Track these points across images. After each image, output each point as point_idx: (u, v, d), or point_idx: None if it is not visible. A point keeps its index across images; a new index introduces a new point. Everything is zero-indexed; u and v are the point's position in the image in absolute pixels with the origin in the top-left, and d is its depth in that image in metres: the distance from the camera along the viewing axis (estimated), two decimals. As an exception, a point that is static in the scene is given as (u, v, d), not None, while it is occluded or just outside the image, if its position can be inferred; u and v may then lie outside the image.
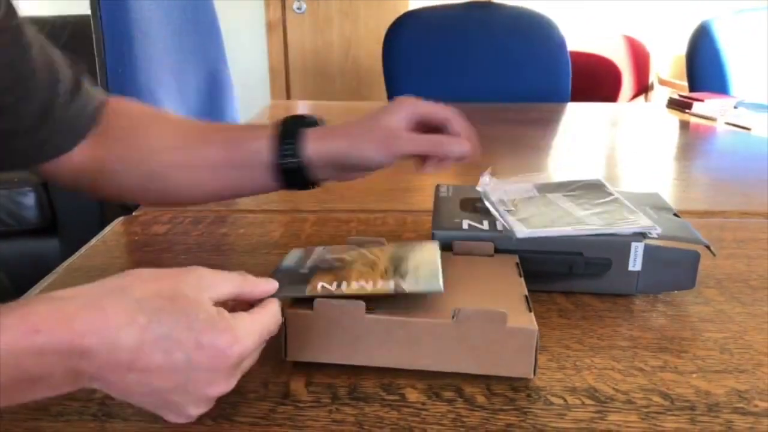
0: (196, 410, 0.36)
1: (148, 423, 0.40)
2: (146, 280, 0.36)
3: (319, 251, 0.52)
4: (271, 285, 0.42)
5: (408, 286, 0.44)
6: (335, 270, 0.47)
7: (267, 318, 0.39)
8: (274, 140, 0.56)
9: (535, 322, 0.43)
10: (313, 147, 0.55)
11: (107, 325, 0.32)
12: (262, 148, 0.56)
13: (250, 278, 0.41)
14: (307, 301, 0.44)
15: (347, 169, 0.58)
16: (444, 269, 0.49)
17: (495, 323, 0.42)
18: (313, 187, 0.60)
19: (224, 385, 0.36)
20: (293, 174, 0.56)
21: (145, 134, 0.59)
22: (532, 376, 0.43)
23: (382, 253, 0.50)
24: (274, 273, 0.47)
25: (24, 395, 0.33)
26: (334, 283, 0.45)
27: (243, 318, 0.37)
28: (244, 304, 0.41)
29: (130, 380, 0.34)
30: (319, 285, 0.45)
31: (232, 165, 0.57)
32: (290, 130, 0.56)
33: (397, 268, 0.46)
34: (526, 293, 0.48)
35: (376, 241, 0.54)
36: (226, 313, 0.36)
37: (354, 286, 0.44)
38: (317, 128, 0.57)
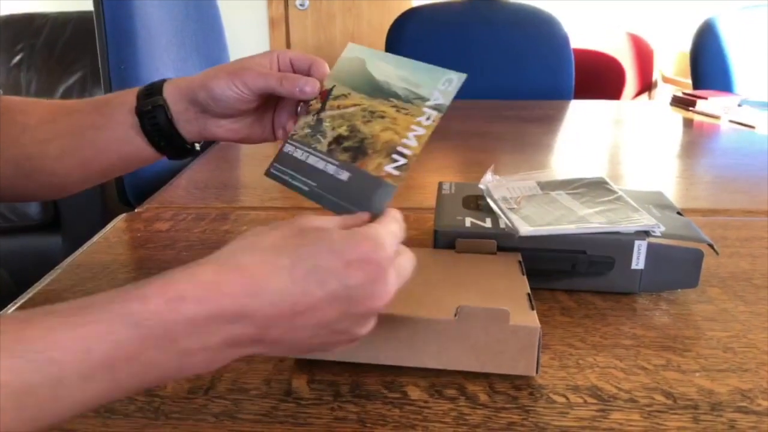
0: (363, 329, 0.35)
1: (150, 420, 0.40)
2: (266, 233, 0.35)
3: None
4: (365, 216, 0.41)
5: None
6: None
7: (392, 223, 0.38)
8: (138, 91, 0.55)
9: (537, 321, 0.43)
10: (171, 87, 0.54)
11: (254, 280, 0.31)
12: (127, 99, 0.55)
13: (347, 220, 0.40)
14: None
15: (204, 109, 0.53)
16: (447, 267, 0.49)
17: (497, 321, 0.42)
18: (192, 150, 0.57)
19: (385, 294, 0.34)
20: (154, 119, 0.53)
21: (13, 117, 0.56)
22: (534, 374, 0.43)
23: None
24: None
25: (175, 372, 0.31)
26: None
27: (372, 226, 0.36)
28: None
29: (296, 326, 0.32)
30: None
31: (96, 125, 0.55)
32: (156, 82, 0.55)
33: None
34: (529, 291, 0.48)
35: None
36: (355, 229, 0.35)
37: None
38: (182, 78, 0.56)
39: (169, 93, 0.54)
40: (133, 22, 1.00)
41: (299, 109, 0.54)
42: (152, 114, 0.54)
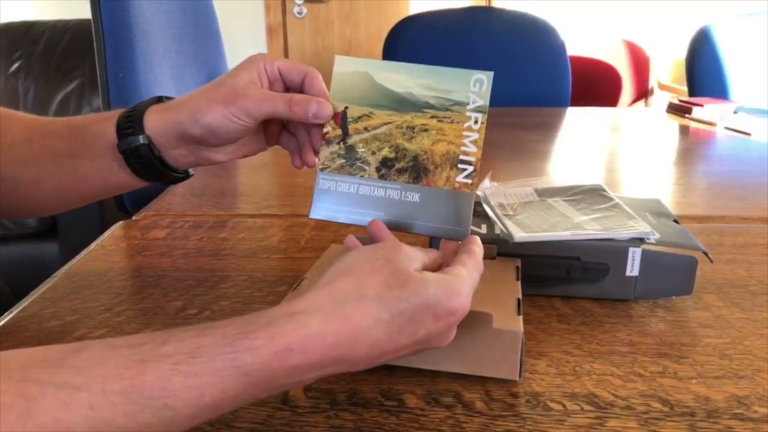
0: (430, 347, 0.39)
1: (147, 428, 0.40)
2: (370, 275, 0.37)
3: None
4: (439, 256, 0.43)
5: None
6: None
7: (478, 265, 0.41)
8: (117, 123, 0.50)
9: (521, 325, 0.43)
10: (153, 120, 0.50)
11: (357, 334, 0.34)
12: (105, 131, 0.50)
13: (430, 254, 0.42)
14: None
15: (198, 142, 0.50)
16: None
17: (481, 324, 0.43)
18: (180, 177, 0.54)
19: (449, 338, 0.39)
20: (140, 158, 0.50)
21: None
22: (517, 378, 0.43)
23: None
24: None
25: (265, 396, 0.34)
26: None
27: (460, 273, 0.39)
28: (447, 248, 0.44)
29: (379, 359, 0.36)
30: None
31: (74, 153, 0.51)
32: (136, 109, 0.51)
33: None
34: (520, 296, 0.48)
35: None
36: (445, 277, 0.38)
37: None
38: (163, 102, 0.51)
39: (153, 129, 0.50)
40: (131, 30, 1.00)
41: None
42: (136, 153, 0.50)
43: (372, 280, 0.36)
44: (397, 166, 0.47)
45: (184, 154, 0.52)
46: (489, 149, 1.25)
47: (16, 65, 2.19)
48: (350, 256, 0.39)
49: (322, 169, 0.49)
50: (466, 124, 0.46)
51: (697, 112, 1.50)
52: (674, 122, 1.51)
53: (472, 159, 0.46)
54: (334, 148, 0.48)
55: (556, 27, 1.86)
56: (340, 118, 0.48)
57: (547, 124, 1.50)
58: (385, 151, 0.47)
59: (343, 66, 0.49)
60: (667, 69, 2.81)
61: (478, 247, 0.43)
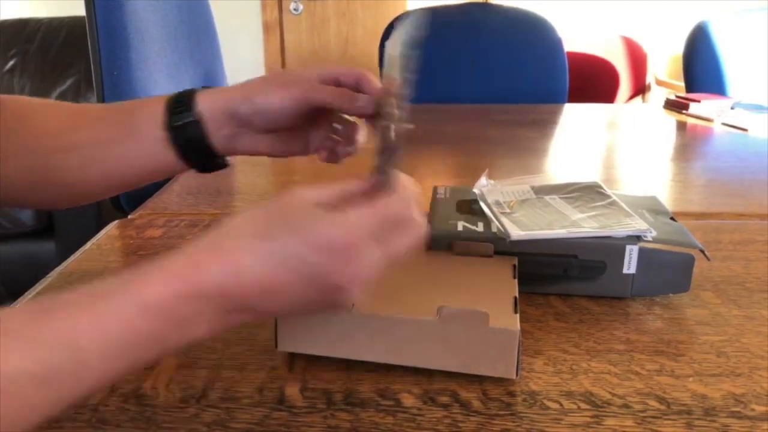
0: (347, 297, 0.37)
1: (141, 429, 0.40)
2: (252, 217, 0.36)
3: None
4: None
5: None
6: None
7: (383, 203, 0.37)
8: (167, 103, 0.52)
9: (518, 324, 0.43)
10: (205, 100, 0.51)
11: (238, 268, 0.34)
12: (155, 111, 0.52)
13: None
14: None
15: (247, 123, 0.52)
16: (440, 269, 0.49)
17: (477, 323, 0.43)
18: (222, 164, 0.55)
19: (355, 283, 0.36)
20: (188, 137, 0.51)
21: (33, 123, 0.53)
22: (514, 376, 0.43)
23: None
24: None
25: (183, 342, 0.34)
26: None
27: (354, 205, 0.37)
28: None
29: (274, 302, 0.36)
30: None
31: (122, 137, 0.53)
32: (185, 93, 0.53)
33: None
34: (516, 295, 0.48)
35: None
36: (325, 209, 0.36)
37: None
38: (214, 88, 0.53)
39: (204, 107, 0.51)
40: (125, 28, 0.99)
41: None
42: (186, 130, 0.51)
43: (252, 221, 0.36)
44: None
45: (230, 136, 0.52)
46: (485, 146, 1.25)
47: (11, 63, 2.18)
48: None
49: None
50: None
51: (694, 108, 1.50)
52: (671, 118, 1.51)
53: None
54: None
55: (553, 23, 1.85)
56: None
57: (544, 121, 1.50)
58: None
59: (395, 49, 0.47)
60: (665, 65, 2.80)
61: (394, 191, 0.39)
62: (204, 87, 0.54)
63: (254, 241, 0.35)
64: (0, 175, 0.52)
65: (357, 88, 0.52)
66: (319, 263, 0.35)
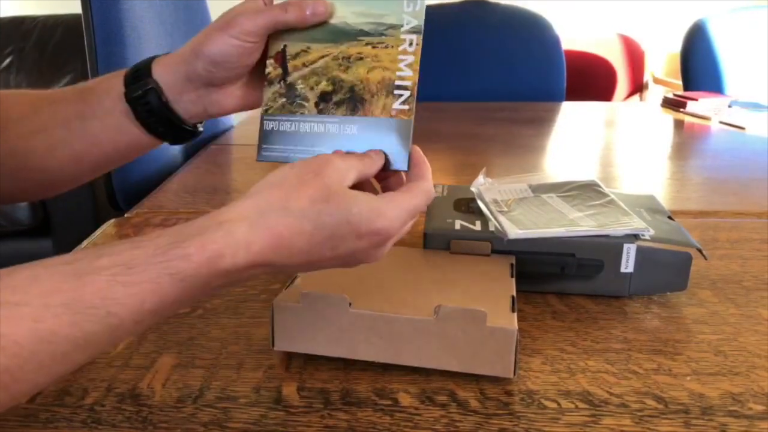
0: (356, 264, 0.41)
1: (138, 430, 0.40)
2: (297, 188, 0.38)
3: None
4: (379, 157, 0.44)
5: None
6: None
7: (416, 197, 0.42)
8: (125, 76, 0.50)
9: (515, 323, 0.43)
10: (160, 67, 0.49)
11: (280, 241, 0.36)
12: (113, 85, 0.50)
13: (366, 159, 0.43)
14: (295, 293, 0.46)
15: (206, 81, 0.49)
16: (438, 268, 0.49)
17: (475, 322, 0.42)
18: (194, 132, 0.53)
19: (376, 257, 0.41)
20: (149, 107, 0.49)
21: None
22: (512, 376, 0.43)
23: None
24: None
25: (204, 297, 0.38)
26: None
27: (394, 197, 0.40)
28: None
29: (305, 267, 0.39)
30: None
31: (84, 115, 0.51)
32: (143, 62, 0.50)
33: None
34: (514, 293, 0.48)
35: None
36: (375, 199, 0.39)
37: None
38: (171, 53, 0.51)
39: (159, 73, 0.49)
40: (121, 26, 0.99)
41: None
42: (145, 99, 0.49)
43: (298, 193, 0.37)
44: (335, 99, 0.45)
45: (193, 100, 0.50)
46: (483, 144, 1.25)
47: (7, 60, 2.17)
48: (283, 168, 0.40)
49: (265, 111, 0.48)
50: (401, 47, 0.44)
51: (691, 106, 1.50)
52: (669, 116, 1.51)
53: (407, 83, 0.44)
54: (276, 87, 0.47)
55: (551, 21, 1.85)
56: (280, 58, 0.47)
57: (541, 119, 1.50)
58: (323, 85, 0.46)
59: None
60: (662, 63, 2.81)
61: (424, 179, 0.43)
62: (166, 53, 0.52)
63: (304, 221, 0.37)
64: None
65: None
66: (356, 247, 0.39)
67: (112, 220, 0.77)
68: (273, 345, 0.46)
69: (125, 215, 0.80)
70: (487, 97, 1.72)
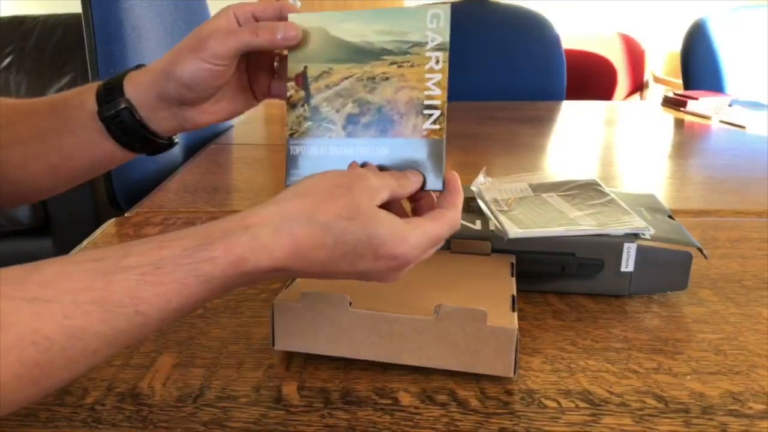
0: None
1: (138, 429, 0.40)
2: (326, 200, 0.38)
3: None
4: (417, 178, 0.44)
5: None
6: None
7: (441, 227, 0.41)
8: (97, 92, 0.50)
9: (516, 322, 0.43)
10: (132, 85, 0.49)
11: (302, 250, 0.37)
12: (85, 102, 0.50)
13: (403, 180, 0.43)
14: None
15: (179, 101, 0.49)
16: (438, 267, 0.49)
17: (475, 321, 0.42)
18: (169, 143, 0.53)
19: (391, 279, 0.41)
20: (123, 125, 0.49)
21: None
22: (512, 375, 0.43)
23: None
24: None
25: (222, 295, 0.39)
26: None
27: (420, 223, 0.40)
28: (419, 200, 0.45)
29: (319, 276, 0.39)
30: None
31: (58, 129, 0.51)
32: (115, 77, 0.50)
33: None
34: (514, 293, 0.48)
35: None
36: (400, 223, 0.39)
37: None
38: (144, 68, 0.50)
39: (132, 92, 0.49)
40: (121, 25, 0.99)
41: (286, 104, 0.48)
42: (119, 119, 0.49)
43: (325, 206, 0.38)
44: (363, 121, 0.45)
45: (167, 117, 0.50)
46: (483, 143, 1.25)
47: (7, 60, 2.17)
48: (314, 177, 0.40)
49: (290, 135, 0.47)
50: (427, 66, 0.44)
51: (692, 105, 1.50)
52: (669, 116, 1.51)
53: (437, 102, 0.43)
54: (300, 111, 0.47)
55: (551, 20, 1.85)
56: (301, 79, 0.46)
57: (541, 118, 1.50)
58: (349, 107, 0.45)
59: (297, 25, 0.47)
60: (662, 62, 2.80)
61: (454, 209, 0.42)
62: (139, 66, 0.52)
63: (326, 234, 0.37)
64: None
65: (280, 18, 0.48)
66: (373, 267, 0.39)
67: (113, 220, 0.77)
68: (273, 344, 0.46)
69: (125, 215, 0.80)
70: (487, 96, 1.72)
